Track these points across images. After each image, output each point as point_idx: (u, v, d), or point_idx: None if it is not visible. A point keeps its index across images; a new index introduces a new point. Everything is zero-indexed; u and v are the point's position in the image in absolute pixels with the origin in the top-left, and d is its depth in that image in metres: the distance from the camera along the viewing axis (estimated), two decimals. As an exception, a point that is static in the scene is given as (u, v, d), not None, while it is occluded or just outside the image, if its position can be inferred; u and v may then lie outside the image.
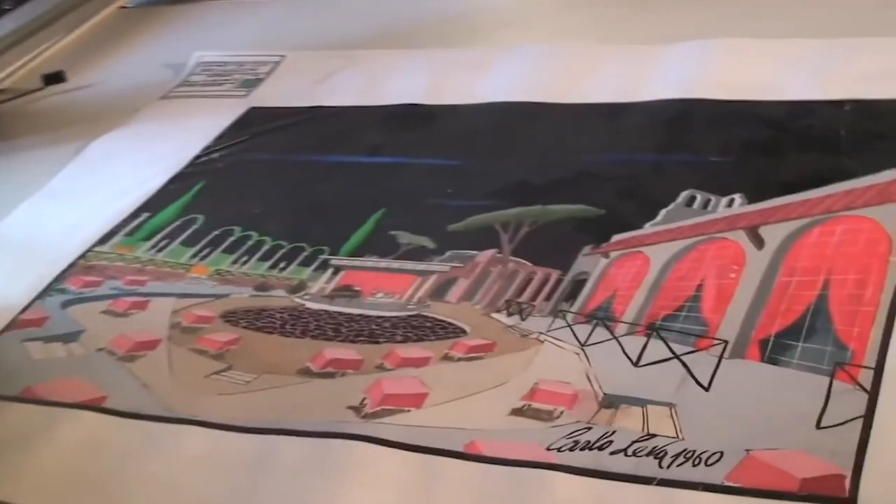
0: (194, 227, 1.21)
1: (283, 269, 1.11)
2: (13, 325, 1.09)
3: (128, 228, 1.24)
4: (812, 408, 0.77)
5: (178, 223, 1.23)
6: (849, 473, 0.72)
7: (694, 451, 0.76)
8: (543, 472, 0.77)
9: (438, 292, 1.02)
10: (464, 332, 0.95)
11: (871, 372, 0.79)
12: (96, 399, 0.95)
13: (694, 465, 0.75)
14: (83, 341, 1.04)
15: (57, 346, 1.04)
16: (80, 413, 0.94)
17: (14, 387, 0.99)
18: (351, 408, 0.87)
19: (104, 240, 1.23)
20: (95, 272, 1.16)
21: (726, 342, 0.85)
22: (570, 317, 0.94)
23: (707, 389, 0.81)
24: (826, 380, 0.79)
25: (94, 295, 1.12)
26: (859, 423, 0.75)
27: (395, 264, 1.07)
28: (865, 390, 0.77)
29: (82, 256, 1.20)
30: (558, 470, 0.77)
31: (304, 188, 1.25)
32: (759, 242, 0.95)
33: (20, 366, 1.02)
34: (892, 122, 1.08)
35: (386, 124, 1.35)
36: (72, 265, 1.18)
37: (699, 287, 0.93)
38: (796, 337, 0.84)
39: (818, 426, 0.76)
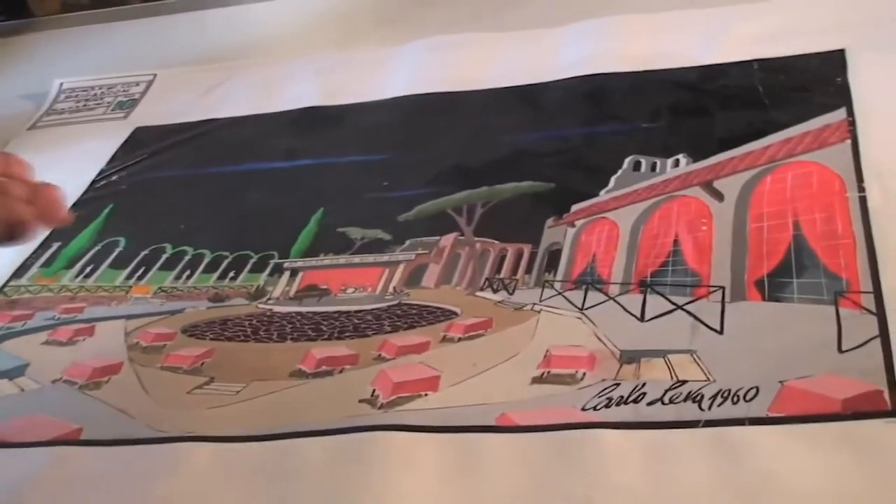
0: (118, 249, 1.17)
1: (234, 278, 1.08)
2: None
3: (42, 259, 1.18)
4: (828, 335, 0.80)
5: (98, 248, 1.18)
6: (885, 388, 0.75)
7: (730, 390, 0.78)
8: (586, 432, 0.78)
9: (412, 280, 1.02)
10: (454, 313, 0.94)
11: (871, 296, 0.83)
12: (71, 433, 0.90)
13: (734, 403, 0.77)
14: (32, 375, 0.99)
15: (3, 383, 0.98)
16: (58, 450, 0.89)
17: None
18: (364, 401, 0.86)
19: (19, 273, 1.16)
20: (21, 306, 1.10)
21: (723, 288, 0.87)
22: (557, 285, 0.94)
23: (721, 333, 0.83)
24: (831, 308, 0.83)
25: (27, 328, 1.06)
26: (877, 343, 0.79)
27: (356, 259, 1.06)
28: (872, 312, 0.81)
29: (1, 292, 1.13)
30: (601, 427, 0.77)
31: (226, 199, 1.22)
32: (717, 196, 0.99)
33: None
34: (800, 75, 1.14)
35: (292, 129, 1.33)
36: None
37: (675, 242, 0.95)
38: (788, 274, 0.87)
39: (840, 350, 0.79)
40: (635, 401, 0.79)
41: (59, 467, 0.86)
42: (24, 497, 0.84)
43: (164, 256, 1.14)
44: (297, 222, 1.13)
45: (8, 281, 1.15)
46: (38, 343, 1.03)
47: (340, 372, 0.90)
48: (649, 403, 0.79)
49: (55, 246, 1.20)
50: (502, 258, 1.00)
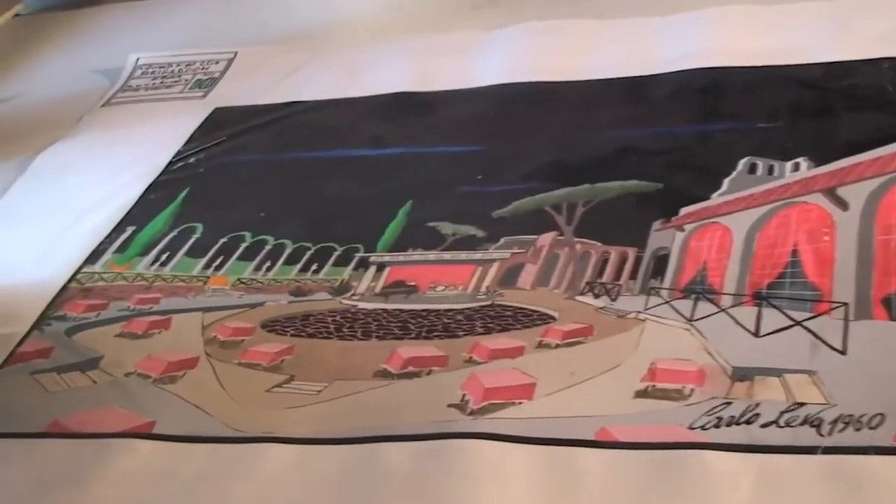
0: (195, 236, 1.18)
1: (317, 271, 1.09)
2: (12, 359, 1.04)
3: (116, 244, 1.20)
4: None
5: (174, 234, 1.20)
6: None
7: (851, 416, 0.77)
8: (693, 453, 0.77)
9: (506, 279, 1.02)
10: (551, 317, 0.94)
11: None
12: (143, 426, 0.92)
13: (857, 430, 0.76)
14: (105, 367, 1.00)
15: (75, 375, 1.00)
16: (131, 442, 0.90)
17: (37, 422, 0.95)
18: (453, 406, 0.86)
19: (93, 259, 1.18)
20: (95, 294, 1.12)
21: (846, 304, 0.86)
22: (665, 293, 0.93)
23: (843, 353, 0.82)
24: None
25: (102, 319, 1.08)
26: None
27: (447, 255, 1.06)
28: None
29: (74, 279, 1.15)
30: (710, 448, 0.77)
31: (309, 187, 1.23)
32: (841, 204, 0.97)
33: (36, 400, 0.98)
34: (936, 78, 1.12)
35: (380, 115, 1.33)
36: (64, 289, 1.13)
37: (794, 252, 0.94)
38: (920, 293, 0.85)
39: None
40: (747, 422, 0.78)
41: (128, 459, 0.88)
42: (91, 487, 0.85)
43: (244, 246, 1.15)
44: (385, 214, 1.14)
45: (81, 267, 1.17)
46: (112, 335, 1.05)
47: (428, 373, 0.90)
48: (763, 426, 0.78)
49: (129, 230, 1.22)
50: (604, 261, 1.00)
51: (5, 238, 1.27)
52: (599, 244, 1.03)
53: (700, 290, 0.93)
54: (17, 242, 1.25)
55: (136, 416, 0.94)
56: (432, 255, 1.07)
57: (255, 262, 1.13)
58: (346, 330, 0.99)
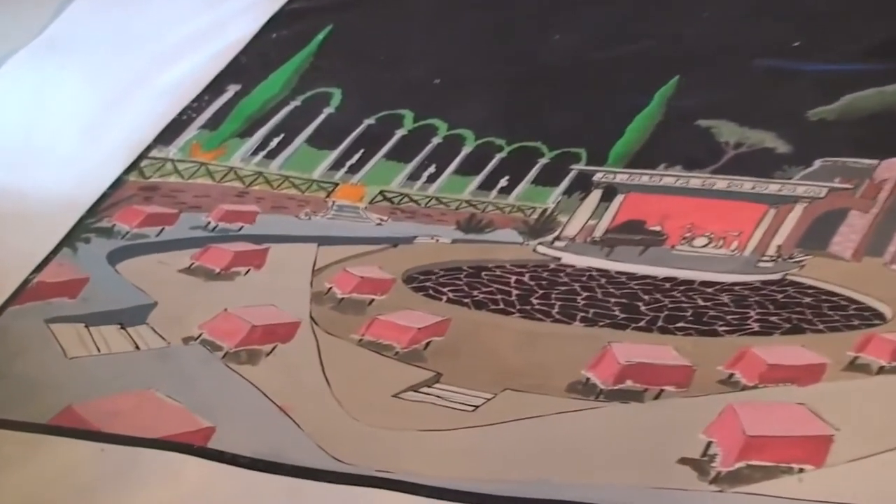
0: (327, 110, 1.15)
1: (506, 189, 1.04)
2: (24, 293, 1.02)
3: (207, 114, 1.18)
4: None
5: (297, 103, 1.17)
6: None
7: None
8: None
9: (814, 236, 0.95)
10: (880, 316, 0.86)
11: None
12: (197, 433, 0.88)
13: None
14: (156, 323, 0.98)
15: (110, 331, 0.98)
16: (173, 458, 0.87)
17: (41, 408, 0.92)
18: (687, 462, 0.79)
19: (168, 135, 1.16)
20: (163, 196, 1.10)
21: None
22: None
23: None
24: None
25: (164, 240, 1.06)
26: None
27: (720, 182, 0.99)
28: None
29: (135, 167, 1.13)
30: None
31: (511, 44, 1.18)
32: None
33: (47, 369, 0.96)
34: None
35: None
36: (118, 182, 1.11)
37: None
38: None
39: None
40: None
41: (170, 485, 0.86)
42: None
43: (398, 134, 1.12)
44: (628, 99, 1.08)
45: (149, 149, 1.15)
46: (177, 269, 1.02)
47: (657, 397, 0.84)
48: None
49: (230, 92, 1.20)
50: None
51: (49, 80, 1.28)
52: None
53: None
54: (65, 90, 1.26)
55: (187, 415, 0.91)
56: (697, 178, 1.01)
57: (410, 165, 1.09)
58: (535, 301, 0.94)
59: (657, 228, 0.97)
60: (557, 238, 0.99)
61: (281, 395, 0.91)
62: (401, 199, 1.05)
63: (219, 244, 1.05)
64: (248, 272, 1.02)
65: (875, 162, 0.97)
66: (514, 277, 0.97)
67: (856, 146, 0.99)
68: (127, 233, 1.07)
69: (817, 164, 0.98)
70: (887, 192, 0.95)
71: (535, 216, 1.01)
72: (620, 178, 1.02)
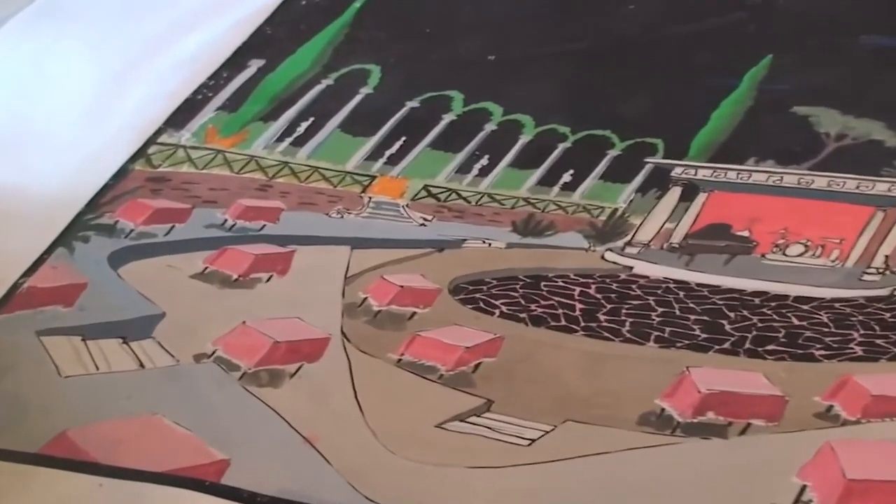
0: (363, 90, 1.15)
1: (570, 185, 1.03)
2: (12, 300, 1.03)
3: (226, 94, 1.18)
4: None
5: (329, 82, 1.17)
6: None
7: None
8: None
9: None
10: None
11: None
12: (209, 466, 0.87)
13: None
14: (163, 337, 0.97)
15: (110, 346, 0.97)
16: (183, 496, 0.86)
17: (31, 435, 0.92)
18: None
19: (180, 117, 1.16)
20: (173, 189, 1.10)
21: None
22: None
23: None
24: None
25: (174, 240, 1.06)
26: None
27: (819, 180, 0.98)
28: None
29: (142, 154, 1.13)
30: None
31: (576, 6, 1.20)
32: None
33: (37, 389, 0.96)
34: None
35: None
36: (123, 171, 1.11)
37: None
38: None
39: None
40: None
41: None
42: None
43: (445, 119, 1.11)
44: (713, 81, 1.08)
45: (159, 133, 1.15)
46: (188, 274, 1.02)
47: (742, 432, 0.83)
48: None
49: (252, 67, 1.21)
50: None
51: (45, 55, 1.28)
52: None
53: None
54: (62, 66, 1.26)
55: (199, 446, 0.90)
56: (792, 175, 0.99)
57: (460, 157, 1.09)
58: (603, 317, 0.93)
59: (745, 234, 0.97)
60: (629, 244, 0.98)
61: (307, 424, 0.91)
62: (448, 196, 1.04)
63: (237, 245, 1.05)
64: (270, 279, 1.01)
65: None
66: (578, 289, 0.96)
67: (981, 142, 0.93)
68: (131, 231, 1.06)
69: (935, 161, 0.93)
70: None
71: (603, 217, 1.00)
72: (703, 173, 1.01)
